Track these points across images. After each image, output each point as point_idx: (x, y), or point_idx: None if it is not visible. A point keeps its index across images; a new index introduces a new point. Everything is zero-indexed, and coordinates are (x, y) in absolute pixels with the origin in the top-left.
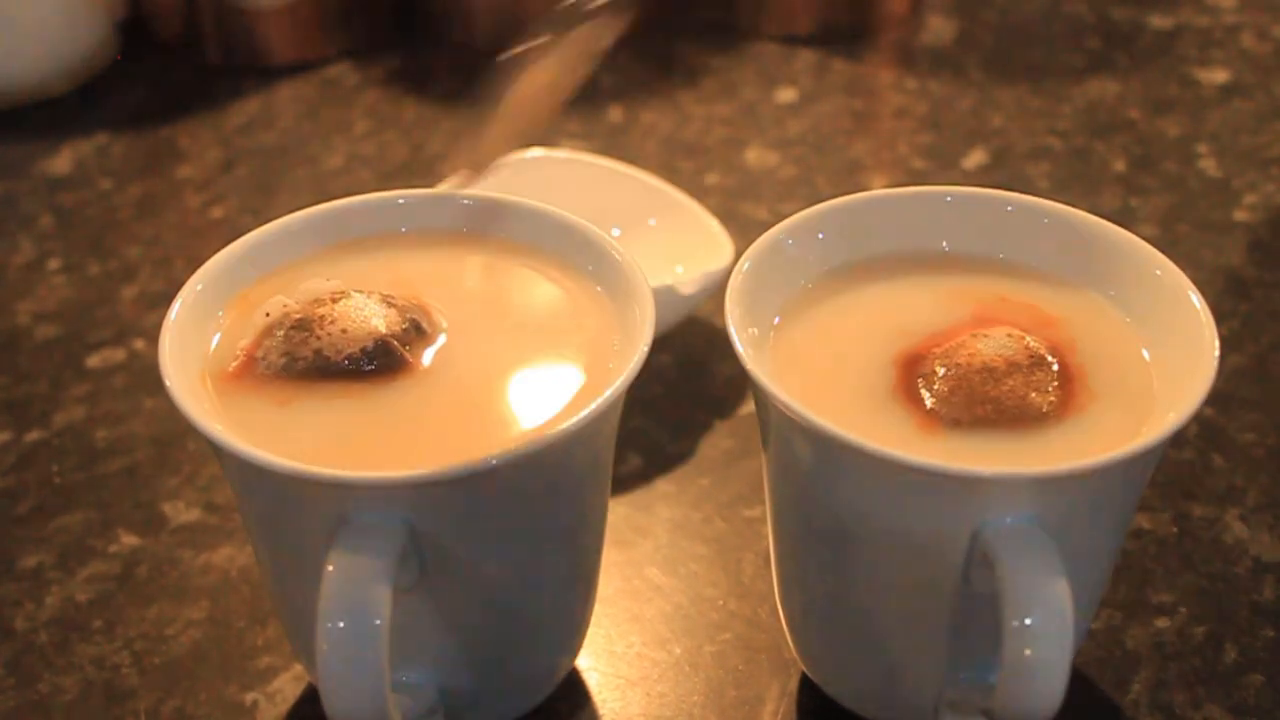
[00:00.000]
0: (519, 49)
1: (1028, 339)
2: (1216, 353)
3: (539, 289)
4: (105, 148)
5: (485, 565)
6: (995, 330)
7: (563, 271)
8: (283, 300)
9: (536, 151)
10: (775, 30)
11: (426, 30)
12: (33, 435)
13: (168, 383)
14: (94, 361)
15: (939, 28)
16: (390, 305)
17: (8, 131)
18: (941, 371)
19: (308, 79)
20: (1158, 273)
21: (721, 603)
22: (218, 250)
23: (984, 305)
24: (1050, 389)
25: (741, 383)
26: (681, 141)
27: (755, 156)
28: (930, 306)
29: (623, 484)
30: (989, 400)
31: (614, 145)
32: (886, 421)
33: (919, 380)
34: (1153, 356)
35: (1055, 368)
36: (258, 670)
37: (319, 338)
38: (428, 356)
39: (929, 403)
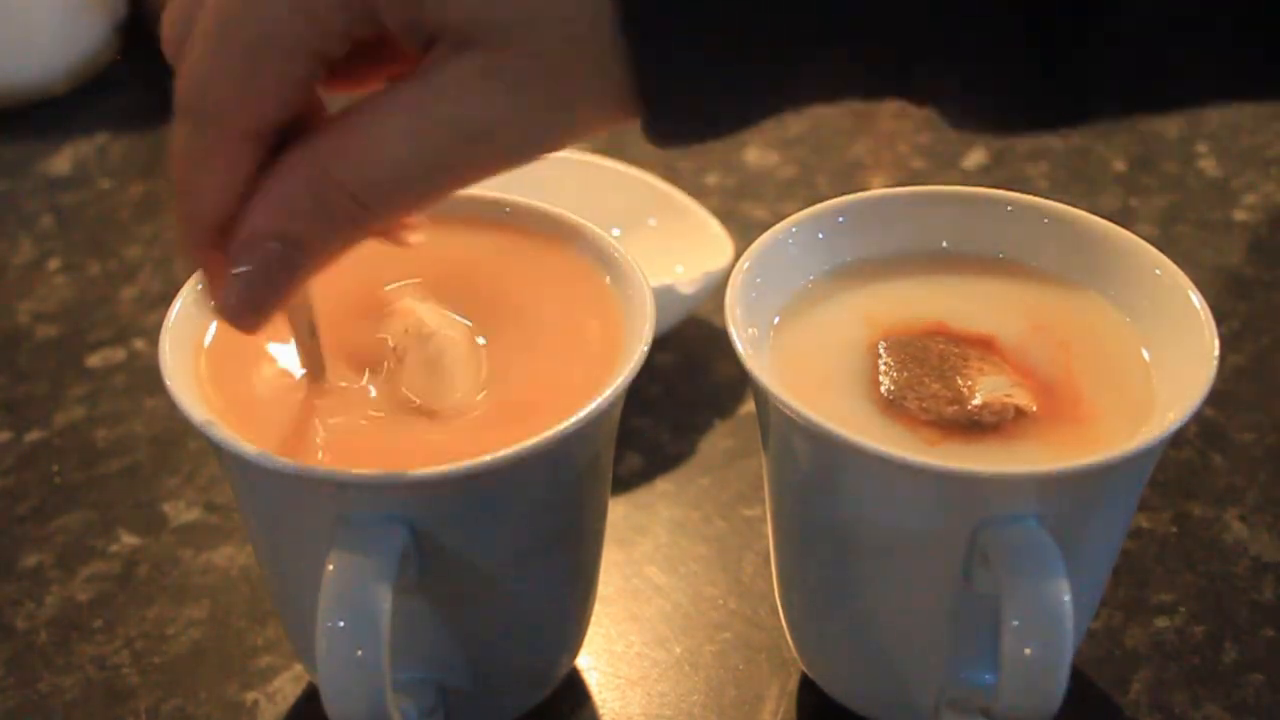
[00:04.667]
0: None
1: (1014, 405)
2: (1216, 353)
3: (539, 288)
4: (105, 148)
5: (485, 565)
6: (1014, 380)
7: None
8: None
9: None
10: None
11: None
12: (33, 435)
13: (168, 383)
14: (94, 361)
15: None
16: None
17: (8, 131)
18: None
19: None
20: (1158, 273)
21: (721, 602)
22: None
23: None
24: (939, 422)
25: (741, 383)
26: None
27: (755, 156)
28: (931, 307)
29: (623, 484)
30: (901, 375)
31: (614, 145)
32: (886, 421)
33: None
34: (1153, 356)
35: (988, 429)
36: (258, 670)
37: None
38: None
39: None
